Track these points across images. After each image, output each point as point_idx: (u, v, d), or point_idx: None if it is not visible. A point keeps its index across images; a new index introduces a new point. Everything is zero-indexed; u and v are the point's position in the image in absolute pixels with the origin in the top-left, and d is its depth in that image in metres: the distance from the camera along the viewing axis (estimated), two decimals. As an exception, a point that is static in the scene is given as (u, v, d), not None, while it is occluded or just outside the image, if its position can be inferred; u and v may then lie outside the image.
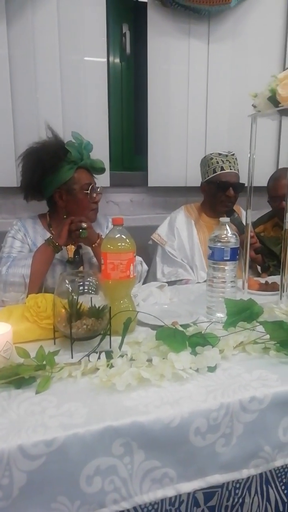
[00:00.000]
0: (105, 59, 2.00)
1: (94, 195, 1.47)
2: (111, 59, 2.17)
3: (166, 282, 1.69)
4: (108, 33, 2.06)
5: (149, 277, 1.86)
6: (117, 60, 2.20)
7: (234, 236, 1.08)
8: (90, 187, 1.45)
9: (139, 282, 1.52)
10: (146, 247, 1.96)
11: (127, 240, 1.01)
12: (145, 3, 2.00)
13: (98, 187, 1.51)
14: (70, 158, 1.43)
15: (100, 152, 2.01)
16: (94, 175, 1.56)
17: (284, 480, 0.81)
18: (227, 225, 1.09)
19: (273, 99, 1.01)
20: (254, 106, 1.10)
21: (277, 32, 2.24)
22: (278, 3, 2.21)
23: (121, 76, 2.22)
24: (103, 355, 0.81)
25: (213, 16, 2.06)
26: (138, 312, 1.02)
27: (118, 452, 0.65)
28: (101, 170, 1.53)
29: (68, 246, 1.43)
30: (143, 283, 1.55)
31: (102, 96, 2.01)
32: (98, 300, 0.95)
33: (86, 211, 1.46)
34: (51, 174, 1.41)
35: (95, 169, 1.51)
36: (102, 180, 2.03)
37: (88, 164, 1.48)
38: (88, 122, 1.99)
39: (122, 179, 2.21)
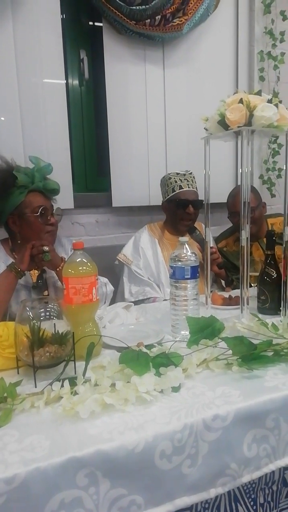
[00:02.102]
0: (64, 81, 2.02)
1: (49, 217, 1.46)
2: (70, 82, 2.20)
3: (134, 302, 1.70)
4: (66, 58, 2.09)
5: (117, 297, 1.86)
6: (76, 83, 2.24)
7: (193, 255, 1.11)
8: (40, 209, 1.44)
9: (104, 303, 1.52)
10: (113, 267, 1.96)
11: (88, 263, 1.01)
12: (101, 30, 2.05)
13: (55, 209, 1.50)
14: (19, 183, 1.43)
15: (63, 174, 2.03)
16: (54, 197, 1.56)
17: (252, 496, 0.81)
18: (186, 244, 1.12)
19: (223, 123, 1.06)
20: (206, 129, 1.14)
21: (228, 57, 2.36)
22: (228, 30, 2.33)
23: (81, 100, 2.26)
24: (66, 383, 0.80)
25: (167, 42, 2.13)
26: (102, 336, 1.01)
27: (82, 483, 0.64)
28: (54, 192, 1.53)
29: (31, 271, 1.41)
30: (111, 303, 1.55)
31: (62, 118, 2.03)
32: (62, 326, 0.94)
33: (41, 234, 1.45)
34: (2, 200, 1.41)
35: (48, 190, 1.51)
36: (66, 202, 2.04)
37: (41, 186, 1.48)
38: (49, 145, 1.99)
39: (86, 200, 2.22)
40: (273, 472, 0.80)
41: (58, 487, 0.62)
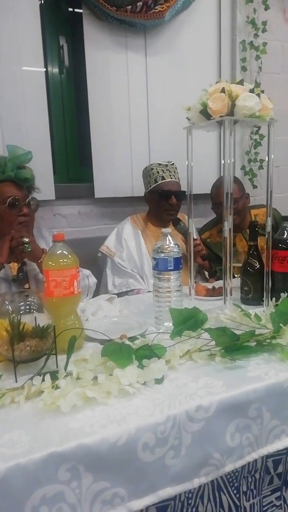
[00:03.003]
0: (43, 69, 1.97)
1: (22, 208, 1.43)
2: (49, 70, 2.15)
3: (118, 294, 1.69)
4: (45, 45, 2.04)
5: (101, 289, 1.85)
6: (56, 71, 2.19)
7: (176, 246, 1.10)
8: (9, 200, 1.40)
9: (87, 296, 1.50)
10: (96, 258, 1.94)
11: (69, 255, 0.99)
12: (81, 16, 2.00)
13: (29, 199, 1.46)
14: None
15: (43, 164, 1.99)
16: (37, 187, 1.53)
17: (235, 485, 0.82)
18: (169, 236, 1.11)
19: (205, 112, 1.05)
20: (188, 119, 1.13)
21: (211, 46, 2.33)
22: (210, 18, 2.31)
23: (61, 88, 2.21)
24: (47, 377, 0.78)
25: (149, 30, 2.10)
26: (84, 329, 1.00)
27: (64, 478, 0.63)
28: (27, 181, 1.48)
29: (11, 264, 1.38)
30: (94, 296, 1.54)
31: (42, 107, 1.99)
32: (43, 319, 0.92)
33: (13, 225, 1.41)
34: None
35: (21, 180, 1.46)
36: (48, 193, 2.01)
37: (12, 176, 1.44)
38: (29, 134, 1.95)
39: (68, 191, 2.19)
40: (255, 460, 0.81)
41: (39, 482, 0.61)
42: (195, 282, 1.63)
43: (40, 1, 1.92)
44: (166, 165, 1.81)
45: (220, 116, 1.03)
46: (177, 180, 1.82)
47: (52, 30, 2.13)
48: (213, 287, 1.49)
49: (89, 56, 2.04)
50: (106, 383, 0.76)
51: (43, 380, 0.78)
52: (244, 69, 2.35)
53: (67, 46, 2.16)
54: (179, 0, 2.03)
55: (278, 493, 0.88)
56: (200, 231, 2.08)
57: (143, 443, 0.68)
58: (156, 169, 1.80)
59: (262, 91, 1.07)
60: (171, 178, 1.80)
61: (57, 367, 0.89)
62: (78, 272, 1.02)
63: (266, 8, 2.30)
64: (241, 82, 1.06)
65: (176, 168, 1.84)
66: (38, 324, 0.91)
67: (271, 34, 2.42)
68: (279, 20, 2.48)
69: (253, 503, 0.85)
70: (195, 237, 1.86)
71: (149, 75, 2.17)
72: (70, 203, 2.19)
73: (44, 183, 2.01)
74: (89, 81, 2.06)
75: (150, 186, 1.82)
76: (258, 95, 1.03)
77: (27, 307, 0.93)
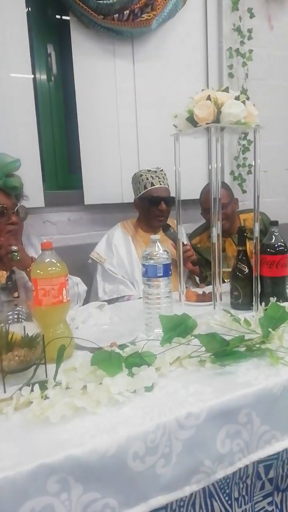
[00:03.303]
0: (31, 76, 1.97)
1: (10, 216, 1.42)
2: (37, 77, 2.15)
3: (108, 300, 1.68)
4: (33, 52, 2.04)
5: (91, 295, 1.84)
6: (44, 78, 2.19)
7: (165, 253, 1.10)
8: None
9: (77, 304, 1.49)
10: (86, 265, 1.94)
11: (58, 264, 0.99)
12: (68, 23, 2.01)
13: (18, 207, 1.45)
14: None
15: (32, 171, 1.98)
16: (25, 195, 1.52)
17: (227, 491, 0.82)
18: (158, 242, 1.11)
19: (191, 120, 1.05)
20: (175, 126, 1.14)
21: (198, 53, 2.36)
22: (197, 26, 2.34)
23: (50, 95, 2.21)
24: (36, 387, 0.78)
25: (136, 38, 2.11)
26: (72, 337, 0.99)
27: (53, 490, 0.62)
28: (15, 189, 1.47)
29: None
30: (84, 303, 1.53)
31: (30, 114, 1.98)
32: (32, 328, 0.92)
33: (2, 233, 1.39)
34: None
35: (9, 188, 1.45)
36: (37, 200, 2.00)
37: (1, 184, 1.43)
38: (17, 141, 1.94)
39: (58, 198, 2.18)
40: (246, 466, 0.81)
41: (28, 495, 0.60)
42: (186, 287, 1.63)
43: (27, 8, 1.92)
44: (155, 172, 1.82)
45: (206, 123, 1.04)
46: (167, 186, 1.83)
47: (39, 37, 2.14)
48: (204, 292, 1.49)
49: (77, 63, 2.05)
50: (95, 392, 0.76)
51: (32, 390, 0.77)
52: (231, 75, 2.38)
53: (55, 53, 2.17)
54: (165, 8, 2.05)
55: (270, 498, 0.88)
56: (190, 237, 2.08)
57: (133, 452, 0.68)
58: (146, 175, 1.81)
59: (248, 98, 1.09)
60: (160, 184, 1.80)
61: (46, 376, 0.88)
62: (67, 280, 1.01)
63: (252, 16, 2.34)
64: (226, 90, 1.07)
65: (165, 174, 1.85)
66: (27, 334, 0.90)
67: (256, 41, 2.46)
68: (264, 28, 2.52)
69: (245, 509, 0.84)
70: (185, 243, 1.87)
71: (137, 82, 2.19)
72: (59, 210, 2.19)
73: (33, 190, 2.00)
74: (77, 88, 2.07)
75: (140, 193, 1.83)
76: (244, 102, 1.05)
77: (16, 316, 0.93)
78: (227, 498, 0.82)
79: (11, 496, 0.59)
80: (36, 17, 2.08)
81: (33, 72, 2.06)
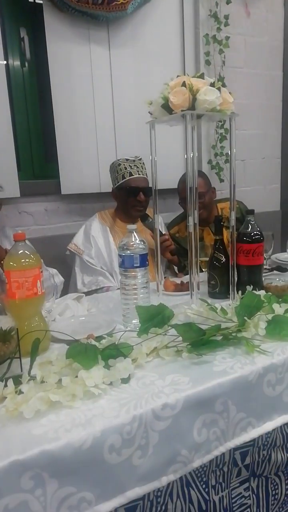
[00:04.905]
0: (4, 62, 1.90)
1: None
2: (10, 63, 2.08)
3: (87, 292, 1.66)
4: (4, 37, 1.97)
5: (70, 287, 1.82)
6: (18, 64, 2.12)
7: (142, 243, 1.09)
8: None
9: (53, 296, 1.47)
10: (64, 257, 1.91)
11: (31, 255, 0.96)
12: (41, 7, 1.94)
13: None
14: None
15: (7, 161, 1.93)
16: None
17: (204, 479, 0.82)
18: (134, 232, 1.09)
19: (167, 106, 1.04)
20: (150, 113, 1.11)
21: (174, 39, 2.32)
22: (173, 11, 2.30)
23: (23, 82, 2.14)
24: (10, 382, 0.76)
25: (112, 22, 2.06)
26: (48, 330, 0.98)
27: (27, 486, 0.61)
28: None
29: (-27, 265, 1.33)
30: (63, 295, 1.50)
31: (3, 101, 1.92)
32: (6, 322, 0.89)
33: None
34: None
35: None
36: (12, 190, 1.95)
37: None
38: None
39: (34, 188, 2.13)
40: (223, 454, 0.82)
41: (1, 492, 0.59)
42: (165, 277, 1.63)
43: (-3, -9, 1.85)
44: (134, 161, 1.79)
45: (182, 110, 1.02)
46: (145, 176, 1.81)
47: (12, 21, 2.06)
48: (182, 282, 1.49)
49: (51, 48, 1.99)
50: (71, 386, 0.75)
51: (5, 385, 0.75)
52: (208, 63, 2.36)
53: (28, 38, 2.10)
54: (141, -8, 2.00)
55: (247, 484, 0.89)
56: (169, 226, 2.08)
57: (109, 445, 0.67)
58: (124, 164, 1.78)
59: (224, 85, 1.07)
60: (138, 174, 1.78)
61: (21, 371, 0.86)
62: (41, 272, 0.99)
63: (228, 2, 2.31)
64: (202, 76, 1.05)
65: (143, 163, 1.83)
66: (1, 327, 0.88)
67: (233, 28, 2.44)
68: (241, 14, 2.50)
69: (222, 496, 0.85)
70: (163, 232, 1.86)
71: (113, 68, 2.14)
72: (36, 200, 2.14)
73: (8, 180, 1.95)
74: (51, 74, 2.01)
75: (118, 182, 1.80)
76: (219, 89, 1.03)
77: (-12, 310, 0.90)
78: (204, 486, 0.82)
79: (-17, 495, 0.58)
80: (7, 0, 2.00)
81: (6, 58, 1.99)
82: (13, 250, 0.97)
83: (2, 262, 1.33)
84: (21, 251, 0.96)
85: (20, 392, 0.74)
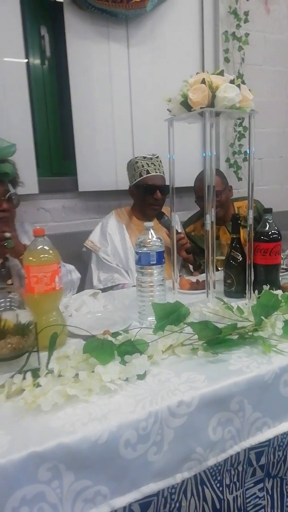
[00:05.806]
0: (25, 60, 1.93)
1: (3, 203, 1.40)
2: (31, 61, 2.11)
3: (103, 289, 1.67)
4: (26, 35, 1.99)
5: (86, 284, 1.83)
6: (38, 62, 2.14)
7: (159, 240, 1.09)
8: None
9: (70, 291, 1.49)
10: (81, 253, 1.93)
11: (50, 251, 0.98)
12: (62, 5, 1.96)
13: (9, 194, 1.43)
14: None
15: (26, 158, 1.95)
16: (20, 181, 1.50)
17: (218, 478, 0.82)
18: (151, 230, 1.09)
19: (186, 104, 1.03)
20: (169, 111, 1.11)
21: (194, 36, 2.31)
22: (193, 8, 2.28)
23: (43, 79, 2.16)
24: (28, 375, 0.77)
25: (131, 20, 2.07)
26: (65, 325, 0.99)
27: (45, 478, 0.62)
28: (6, 175, 1.44)
29: (-8, 260, 1.36)
30: (79, 291, 1.52)
31: (23, 99, 1.95)
32: (25, 316, 0.91)
33: None
34: None
35: (0, 174, 1.43)
36: (31, 187, 1.97)
37: None
38: (10, 127, 1.90)
39: (52, 185, 2.16)
40: (238, 453, 0.82)
41: (19, 483, 0.60)
42: (180, 276, 1.63)
43: (19, -10, 1.87)
44: (151, 158, 1.79)
45: (201, 108, 1.01)
46: (162, 174, 1.81)
47: (32, 20, 2.08)
48: (197, 280, 1.49)
49: (71, 46, 2.00)
50: (87, 380, 0.76)
51: (24, 378, 0.77)
52: (227, 60, 2.34)
53: (48, 36, 2.12)
54: (160, -11, 2.00)
55: (261, 485, 0.89)
56: (185, 225, 2.07)
57: (125, 440, 0.68)
58: (141, 162, 1.78)
59: (243, 82, 1.06)
60: (156, 172, 1.78)
61: (39, 364, 0.88)
62: (60, 267, 1.00)
63: (248, -2, 2.29)
64: (221, 73, 1.04)
65: (160, 161, 1.82)
66: (20, 321, 0.89)
67: (253, 25, 2.41)
68: (260, 11, 2.47)
69: (236, 495, 0.85)
70: (179, 231, 1.86)
71: (131, 66, 2.14)
72: (54, 197, 2.16)
73: (27, 176, 1.97)
74: (71, 72, 2.03)
75: (135, 180, 1.81)
76: (239, 86, 1.02)
77: (8, 304, 0.92)
78: (218, 485, 0.82)
79: (2, 484, 0.59)
80: (28, -1, 2.03)
81: (27, 56, 2.01)
82: (32, 246, 0.98)
83: (21, 257, 1.35)
84: (40, 246, 0.98)
85: (38, 385, 0.75)
